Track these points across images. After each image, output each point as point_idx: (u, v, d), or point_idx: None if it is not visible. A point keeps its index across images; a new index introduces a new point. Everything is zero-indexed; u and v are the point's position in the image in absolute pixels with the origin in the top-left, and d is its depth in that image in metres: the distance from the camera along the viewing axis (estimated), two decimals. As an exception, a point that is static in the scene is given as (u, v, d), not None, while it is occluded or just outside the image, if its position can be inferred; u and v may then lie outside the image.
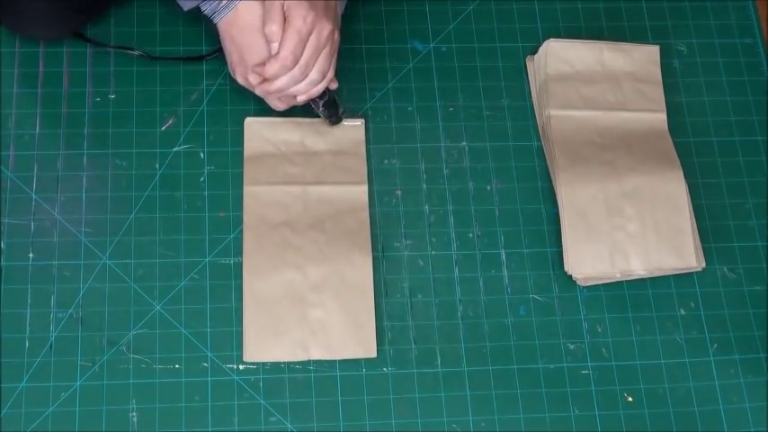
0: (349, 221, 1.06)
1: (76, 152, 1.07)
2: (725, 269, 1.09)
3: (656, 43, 1.17)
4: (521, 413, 1.00)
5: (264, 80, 0.99)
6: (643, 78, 1.15)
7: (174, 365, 0.99)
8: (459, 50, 1.16)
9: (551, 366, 1.03)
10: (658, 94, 1.15)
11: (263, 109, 1.10)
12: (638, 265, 1.06)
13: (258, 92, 1.02)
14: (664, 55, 1.18)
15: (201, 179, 1.07)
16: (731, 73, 1.19)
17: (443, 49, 1.16)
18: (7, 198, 1.04)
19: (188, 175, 1.07)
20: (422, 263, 1.06)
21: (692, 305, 1.07)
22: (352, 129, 1.10)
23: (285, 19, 0.96)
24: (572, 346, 1.04)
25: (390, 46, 1.15)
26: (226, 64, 1.04)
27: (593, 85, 1.14)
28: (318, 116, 1.07)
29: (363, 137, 1.10)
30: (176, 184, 1.07)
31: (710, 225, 1.10)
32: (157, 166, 1.07)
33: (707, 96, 1.17)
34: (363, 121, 1.11)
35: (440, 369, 1.02)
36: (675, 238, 1.06)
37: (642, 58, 1.16)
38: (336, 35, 0.99)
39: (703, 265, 1.07)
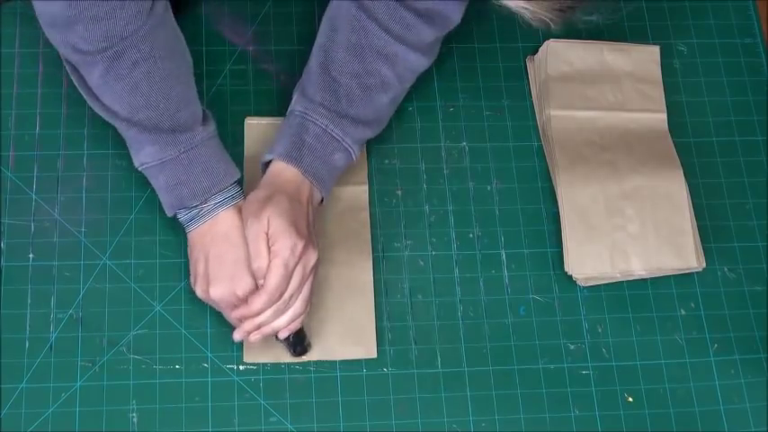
0: (350, 222, 1.06)
1: (76, 152, 1.07)
2: (725, 269, 1.09)
3: (656, 43, 1.17)
4: (521, 413, 1.00)
5: (243, 316, 0.94)
6: (643, 78, 1.15)
7: (174, 366, 0.99)
8: (459, 51, 1.16)
9: (552, 366, 1.03)
10: (658, 94, 1.15)
11: (263, 109, 1.10)
12: (638, 266, 1.06)
13: (234, 322, 0.96)
14: (664, 55, 1.18)
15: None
16: (731, 73, 1.19)
17: (443, 50, 1.16)
18: (7, 198, 1.04)
19: (188, 175, 1.07)
20: (422, 263, 1.06)
21: (693, 305, 1.07)
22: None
23: (269, 248, 0.92)
24: (572, 347, 1.04)
25: (390, 46, 1.15)
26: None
27: (593, 85, 1.14)
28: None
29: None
30: (176, 184, 1.06)
31: (711, 225, 1.10)
32: (157, 166, 1.07)
33: (707, 96, 1.17)
34: None
35: (440, 369, 1.02)
36: (676, 239, 1.06)
37: (642, 59, 1.16)
38: (317, 261, 0.95)
39: (703, 265, 1.07)
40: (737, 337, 1.06)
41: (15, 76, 1.10)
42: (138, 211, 1.05)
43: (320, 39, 1.02)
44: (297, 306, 0.95)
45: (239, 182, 0.98)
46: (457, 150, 1.12)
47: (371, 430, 0.99)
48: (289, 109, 1.01)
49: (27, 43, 1.11)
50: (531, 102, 1.15)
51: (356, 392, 1.00)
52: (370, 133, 1.02)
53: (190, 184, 0.94)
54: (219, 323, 1.01)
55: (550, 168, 1.11)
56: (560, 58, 1.14)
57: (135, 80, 0.91)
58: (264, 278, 0.92)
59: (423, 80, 1.14)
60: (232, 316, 0.96)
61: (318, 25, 1.06)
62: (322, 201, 1.00)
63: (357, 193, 1.07)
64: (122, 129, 0.96)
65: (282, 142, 0.98)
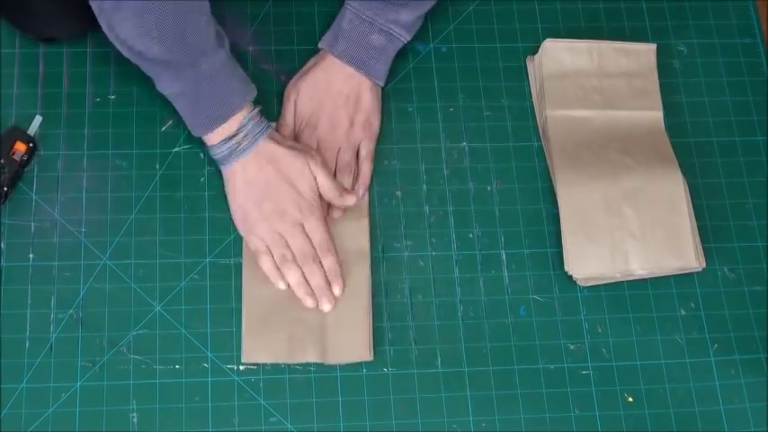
0: (349, 225, 1.06)
1: (76, 152, 1.07)
2: (725, 269, 1.09)
3: (656, 43, 1.17)
4: (521, 413, 1.00)
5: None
6: (640, 77, 1.15)
7: (174, 366, 0.99)
8: (459, 51, 1.16)
9: (552, 367, 1.03)
10: (655, 92, 1.15)
11: (264, 109, 1.10)
12: (638, 266, 1.06)
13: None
14: (664, 55, 1.18)
15: (201, 180, 1.07)
16: (731, 73, 1.19)
17: (443, 50, 1.16)
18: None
19: (188, 175, 1.07)
20: (422, 263, 1.06)
21: (693, 305, 1.07)
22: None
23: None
24: (572, 347, 1.04)
25: (390, 46, 1.15)
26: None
27: (590, 84, 1.14)
28: None
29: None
30: (176, 184, 1.07)
31: (711, 225, 1.10)
32: (157, 166, 1.07)
33: (707, 96, 1.17)
34: None
35: (440, 369, 1.02)
36: (675, 238, 1.06)
37: (639, 57, 1.16)
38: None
39: (703, 265, 1.07)
40: (737, 337, 1.06)
41: (15, 76, 1.10)
42: (138, 211, 1.05)
43: None
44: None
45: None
46: (457, 150, 1.12)
47: (371, 430, 0.99)
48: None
49: (27, 43, 1.11)
50: (531, 102, 1.15)
51: (356, 392, 1.00)
52: (407, 14, 1.07)
53: (204, 109, 0.98)
54: (220, 323, 1.01)
55: (550, 168, 1.11)
56: (557, 57, 1.14)
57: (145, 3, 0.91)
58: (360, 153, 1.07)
59: (423, 80, 1.14)
60: (346, 201, 1.04)
61: (318, 25, 1.06)
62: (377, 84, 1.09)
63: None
64: (143, 64, 0.97)
65: (328, 32, 1.10)
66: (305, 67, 1.10)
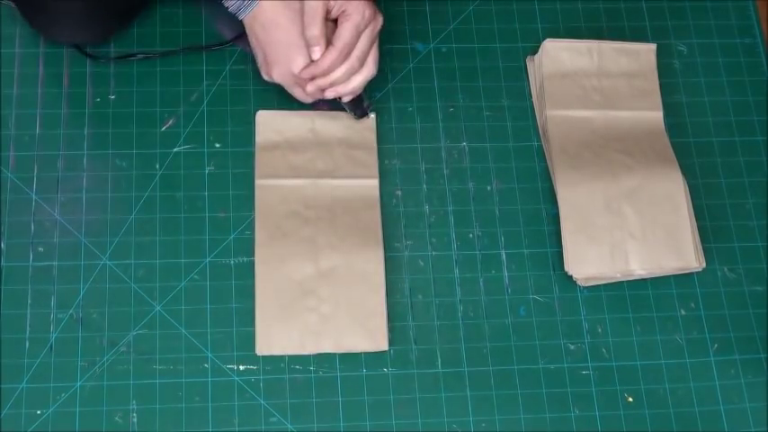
0: (361, 215, 1.06)
1: (76, 152, 1.07)
2: (725, 269, 1.09)
3: (656, 43, 1.17)
4: (521, 413, 1.00)
5: (312, 78, 1.00)
6: (640, 77, 1.15)
7: (174, 366, 0.99)
8: (459, 51, 1.16)
9: (552, 367, 1.03)
10: (655, 92, 1.15)
11: (264, 109, 1.10)
12: (638, 266, 1.06)
13: (308, 89, 1.02)
14: (664, 55, 1.18)
15: (202, 180, 1.07)
16: (731, 73, 1.19)
17: (443, 50, 1.16)
18: (7, 198, 1.04)
19: (188, 175, 1.07)
20: (422, 263, 1.06)
21: (693, 305, 1.07)
22: (364, 122, 1.11)
23: (329, 17, 0.97)
24: (572, 347, 1.04)
25: (390, 46, 1.15)
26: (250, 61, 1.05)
27: (590, 84, 1.14)
28: (343, 110, 1.09)
29: (375, 130, 1.10)
30: (176, 184, 1.07)
31: (711, 225, 1.10)
32: (158, 166, 1.07)
33: (707, 96, 1.17)
34: (375, 114, 1.11)
35: (440, 369, 1.02)
36: (675, 238, 1.06)
37: (639, 57, 1.16)
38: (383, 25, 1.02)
39: (703, 265, 1.07)
40: (737, 337, 1.06)
41: (15, 76, 1.10)
42: (138, 211, 1.05)
43: None
44: (370, 66, 1.02)
45: None
46: (457, 150, 1.12)
47: (371, 430, 0.99)
48: None
49: (27, 43, 1.11)
50: (531, 102, 1.15)
51: (356, 392, 1.00)
52: None
53: None
54: (220, 323, 1.01)
55: (550, 168, 1.11)
56: (556, 57, 1.14)
57: None
58: (334, 38, 0.97)
59: (423, 80, 1.14)
60: (302, 75, 1.00)
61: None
62: None
63: (369, 187, 1.07)
64: None
65: None
66: None
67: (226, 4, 1.00)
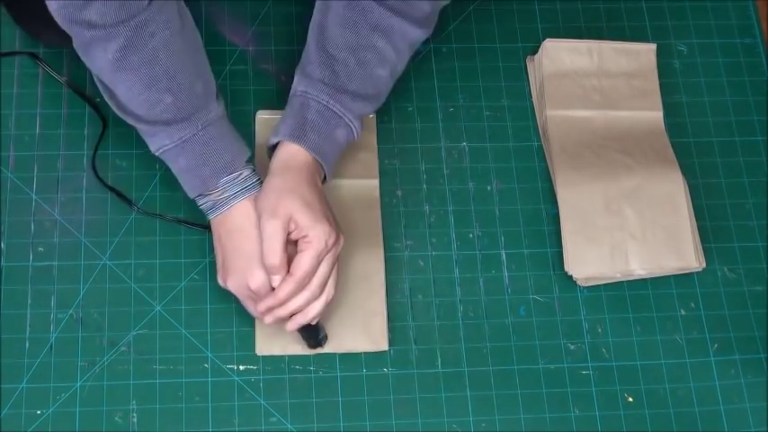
0: (361, 215, 1.06)
1: (76, 152, 1.07)
2: (725, 269, 1.09)
3: (656, 43, 1.17)
4: (521, 413, 1.00)
5: (269, 308, 0.94)
6: (639, 77, 1.15)
7: (174, 366, 0.99)
8: (459, 51, 1.16)
9: (552, 367, 1.03)
10: (655, 92, 1.15)
11: (264, 110, 1.10)
12: (638, 266, 1.06)
13: (266, 321, 0.95)
14: (664, 55, 1.18)
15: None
16: (731, 73, 1.19)
17: (444, 50, 1.16)
18: (7, 198, 1.04)
19: (188, 175, 1.07)
20: (422, 263, 1.06)
21: (693, 305, 1.07)
22: (365, 122, 1.10)
23: (289, 240, 0.92)
24: (572, 347, 1.04)
25: (390, 46, 1.15)
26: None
27: (590, 84, 1.14)
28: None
29: (375, 130, 1.10)
30: (176, 184, 1.06)
31: (711, 225, 1.10)
32: (157, 166, 1.07)
33: (707, 96, 1.17)
34: (374, 114, 1.11)
35: (440, 369, 1.02)
36: (675, 238, 1.06)
37: (639, 57, 1.16)
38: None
39: (703, 265, 1.07)
40: (737, 337, 1.06)
41: (15, 76, 1.10)
42: (137, 211, 1.05)
43: (316, 16, 1.00)
44: (329, 291, 0.95)
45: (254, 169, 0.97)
46: (457, 150, 1.12)
47: (371, 430, 0.99)
48: (291, 92, 1.00)
49: (27, 43, 1.11)
50: (531, 102, 1.15)
51: (356, 392, 1.00)
52: (370, 108, 1.00)
53: (211, 162, 0.94)
54: (220, 323, 1.01)
55: (550, 168, 1.11)
56: (557, 57, 1.14)
57: (154, 50, 0.90)
58: (293, 267, 0.91)
59: (423, 80, 1.14)
60: (258, 309, 0.94)
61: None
62: (324, 179, 0.99)
63: (369, 187, 1.07)
64: (140, 126, 0.95)
65: (287, 122, 0.97)
66: (273, 182, 0.94)
67: (198, 202, 0.96)
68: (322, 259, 0.92)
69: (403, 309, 1.04)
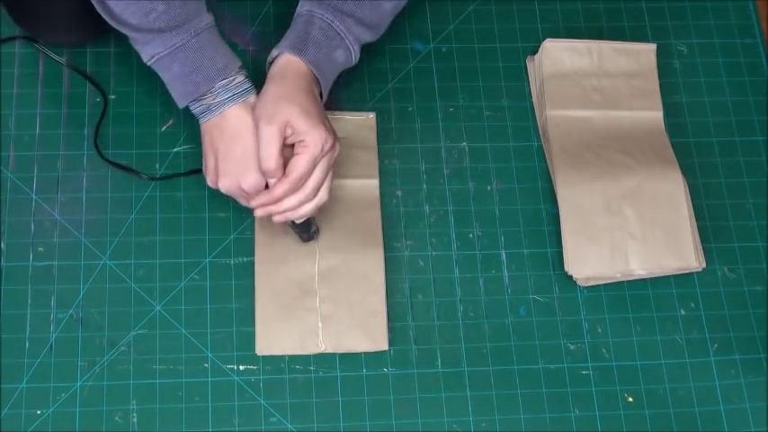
0: (361, 215, 1.06)
1: (76, 152, 1.07)
2: (725, 269, 1.09)
3: (656, 43, 1.17)
4: (521, 413, 1.00)
5: (262, 204, 0.95)
6: (640, 77, 1.15)
7: (174, 366, 0.99)
8: (459, 51, 1.16)
9: (552, 367, 1.03)
10: (655, 92, 1.15)
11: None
12: (638, 265, 1.06)
13: (257, 214, 0.96)
14: (664, 55, 1.18)
15: (202, 179, 1.07)
16: (731, 73, 1.19)
17: (444, 50, 1.16)
18: (7, 198, 1.04)
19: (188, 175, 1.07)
20: (422, 263, 1.06)
21: (693, 305, 1.07)
22: (365, 122, 1.11)
23: (285, 143, 0.93)
24: (572, 347, 1.04)
25: (391, 46, 1.15)
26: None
27: (590, 84, 1.14)
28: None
29: (375, 130, 1.10)
30: (176, 184, 1.07)
31: (711, 225, 1.10)
32: (157, 166, 1.07)
33: (707, 96, 1.17)
34: (375, 114, 1.11)
35: (440, 369, 1.02)
36: (675, 238, 1.06)
37: (639, 57, 1.16)
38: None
39: (703, 265, 1.07)
40: (737, 337, 1.06)
41: (15, 77, 1.10)
42: (138, 212, 1.05)
43: None
44: (322, 195, 0.97)
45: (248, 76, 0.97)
46: (457, 150, 1.12)
47: (371, 430, 0.99)
48: (295, 14, 1.01)
49: (27, 43, 1.11)
50: (531, 102, 1.15)
51: (356, 392, 1.00)
52: (369, 36, 1.02)
53: (204, 68, 0.94)
54: (220, 323, 1.01)
55: (550, 168, 1.11)
56: (557, 58, 1.14)
57: None
58: (289, 169, 0.93)
59: (423, 80, 1.14)
60: (252, 203, 0.96)
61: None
62: (320, 98, 0.99)
63: (369, 187, 1.08)
64: (134, 35, 0.94)
65: (289, 36, 0.98)
66: (271, 90, 0.95)
67: (191, 106, 0.96)
68: (317, 163, 0.94)
69: (403, 309, 1.04)
